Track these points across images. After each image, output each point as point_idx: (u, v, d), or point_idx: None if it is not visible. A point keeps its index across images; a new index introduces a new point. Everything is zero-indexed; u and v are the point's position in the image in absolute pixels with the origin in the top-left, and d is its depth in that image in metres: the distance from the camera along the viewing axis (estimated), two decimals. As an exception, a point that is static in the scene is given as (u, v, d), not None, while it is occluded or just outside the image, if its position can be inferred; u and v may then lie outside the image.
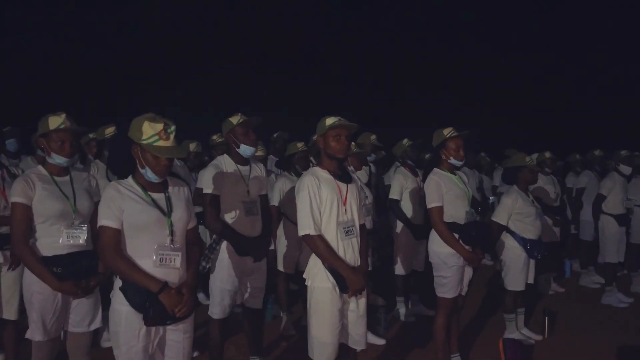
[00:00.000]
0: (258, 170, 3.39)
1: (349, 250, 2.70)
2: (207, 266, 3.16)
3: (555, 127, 10.72)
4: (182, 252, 2.23)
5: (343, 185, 2.75)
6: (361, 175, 4.95)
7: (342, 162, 2.79)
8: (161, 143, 2.10)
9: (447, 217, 3.48)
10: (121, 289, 2.12)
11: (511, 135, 9.41)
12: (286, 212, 4.46)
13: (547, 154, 5.97)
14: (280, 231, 4.55)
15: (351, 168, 4.27)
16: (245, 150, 3.22)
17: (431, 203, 3.49)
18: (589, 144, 7.17)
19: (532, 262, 4.35)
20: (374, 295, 5.48)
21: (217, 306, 3.18)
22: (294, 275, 4.64)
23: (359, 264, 2.76)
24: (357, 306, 2.75)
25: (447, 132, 3.54)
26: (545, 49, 11.96)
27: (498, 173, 7.40)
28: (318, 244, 2.63)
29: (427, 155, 6.76)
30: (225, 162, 3.25)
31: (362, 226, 2.86)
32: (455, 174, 3.59)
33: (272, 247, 4.84)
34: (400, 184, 4.84)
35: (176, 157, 2.18)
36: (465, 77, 12.05)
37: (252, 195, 3.27)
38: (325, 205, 2.67)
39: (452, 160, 3.52)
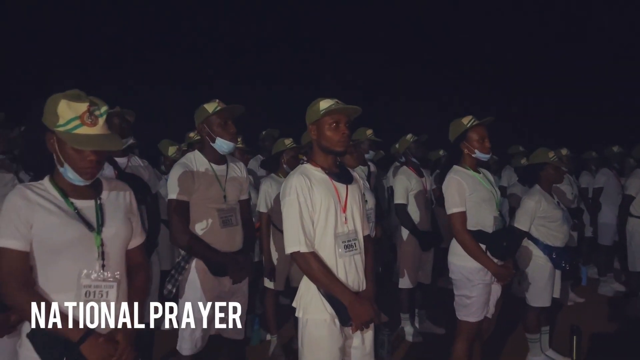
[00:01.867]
0: (237, 170, 2.79)
1: (351, 271, 2.11)
2: (174, 290, 2.55)
3: (567, 121, 10.10)
4: (120, 282, 1.62)
5: (342, 187, 2.16)
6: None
7: (340, 156, 2.21)
8: (84, 130, 1.50)
9: (472, 225, 2.90)
10: (29, 336, 1.52)
11: (517, 131, 8.83)
12: (274, 219, 3.85)
13: (564, 151, 5.42)
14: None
15: None
16: (221, 145, 2.62)
17: (452, 208, 2.90)
18: (604, 139, 6.63)
19: (559, 273, 3.78)
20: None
21: (186, 340, 2.57)
22: (284, 291, 4.03)
23: (364, 287, 2.16)
24: (363, 342, 2.15)
25: (467, 120, 2.96)
26: (554, 37, 11.32)
27: (506, 173, 6.84)
28: (311, 264, 2.03)
29: (430, 153, 6.22)
30: (196, 160, 2.65)
31: (366, 238, 2.27)
32: (479, 172, 3.01)
33: (256, 260, 4.24)
34: (404, 185, 4.26)
35: (106, 149, 1.57)
36: (466, 68, 11.40)
37: (230, 200, 2.67)
38: (319, 213, 2.08)
39: (478, 154, 2.93)
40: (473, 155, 2.94)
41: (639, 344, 4.28)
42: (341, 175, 2.19)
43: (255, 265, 4.07)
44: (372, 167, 4.91)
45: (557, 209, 3.70)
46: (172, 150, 4.76)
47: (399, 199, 4.24)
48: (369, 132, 4.54)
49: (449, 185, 2.91)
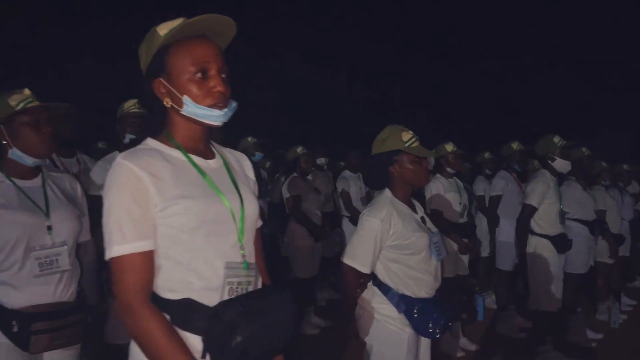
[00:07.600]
0: None
1: None
2: None
3: (458, 117, 9.07)
4: None
5: None
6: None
7: None
8: None
9: (174, 285, 1.18)
10: None
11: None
12: None
13: (449, 147, 4.01)
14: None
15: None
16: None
17: (114, 244, 1.11)
18: (501, 137, 5.44)
19: (427, 342, 2.21)
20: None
21: None
22: None
23: None
24: None
25: (162, 32, 1.23)
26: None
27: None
28: None
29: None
30: None
31: None
32: (215, 156, 1.32)
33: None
34: None
35: None
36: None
37: None
38: None
39: (191, 106, 1.20)
40: (182, 112, 1.23)
41: None
42: None
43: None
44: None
45: (421, 232, 2.15)
46: None
47: None
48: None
49: (109, 190, 1.16)
